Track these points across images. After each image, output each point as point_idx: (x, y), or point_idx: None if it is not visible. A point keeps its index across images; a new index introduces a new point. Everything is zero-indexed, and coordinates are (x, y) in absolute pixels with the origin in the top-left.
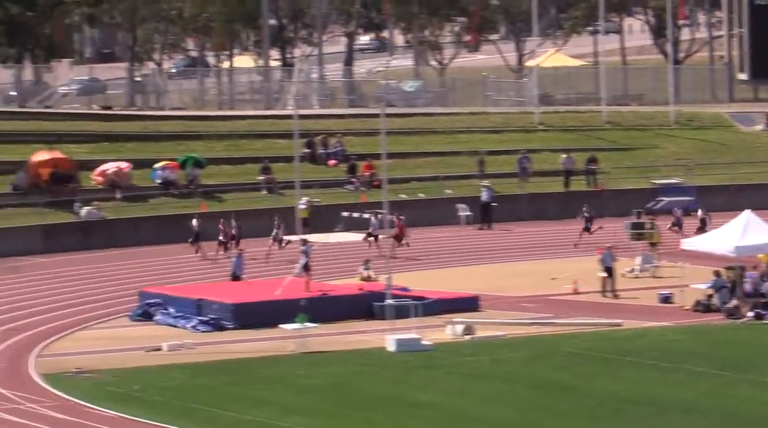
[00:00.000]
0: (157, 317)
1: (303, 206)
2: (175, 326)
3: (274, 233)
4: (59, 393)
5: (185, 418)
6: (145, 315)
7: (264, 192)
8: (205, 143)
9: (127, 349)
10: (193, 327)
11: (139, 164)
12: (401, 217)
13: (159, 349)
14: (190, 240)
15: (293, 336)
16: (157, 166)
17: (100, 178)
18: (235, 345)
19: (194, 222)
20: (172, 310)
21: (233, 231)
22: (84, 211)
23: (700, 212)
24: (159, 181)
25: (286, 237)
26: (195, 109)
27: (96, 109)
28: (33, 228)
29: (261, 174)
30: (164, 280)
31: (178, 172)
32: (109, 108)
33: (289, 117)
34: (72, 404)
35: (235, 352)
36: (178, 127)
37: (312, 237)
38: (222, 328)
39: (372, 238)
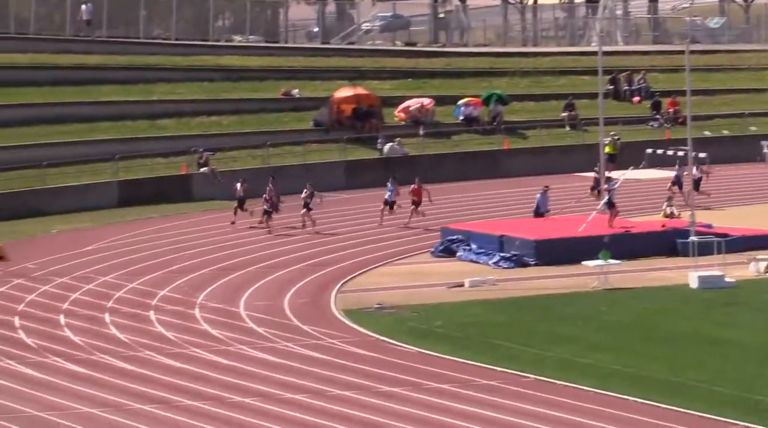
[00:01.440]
0: (459, 253)
1: (608, 141)
2: (477, 262)
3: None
4: (360, 329)
5: (486, 355)
6: (447, 251)
7: (567, 128)
8: (508, 80)
9: (428, 285)
10: (495, 263)
11: (442, 101)
12: (418, 181)
13: (461, 285)
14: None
15: (595, 273)
16: (460, 102)
17: (402, 115)
18: (537, 281)
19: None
20: (474, 246)
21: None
22: (387, 147)
23: None
24: (462, 118)
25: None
26: (499, 45)
27: (399, 46)
28: (336, 164)
29: (564, 110)
30: (466, 217)
31: (481, 108)
32: (412, 44)
33: (593, 53)
34: (373, 340)
35: (537, 289)
36: (481, 63)
37: (616, 174)
38: (524, 264)
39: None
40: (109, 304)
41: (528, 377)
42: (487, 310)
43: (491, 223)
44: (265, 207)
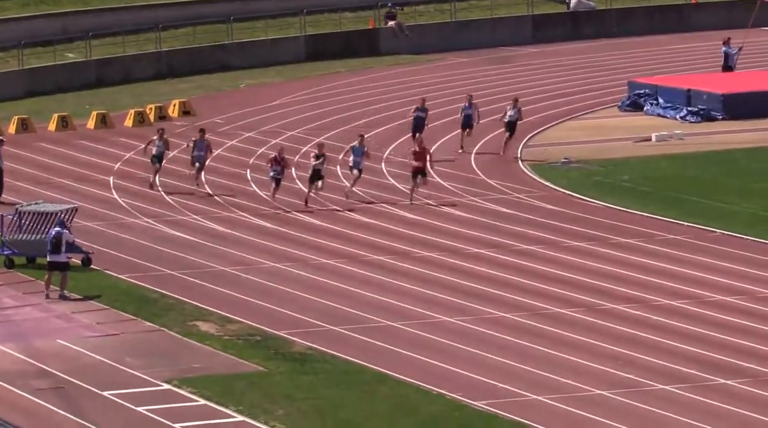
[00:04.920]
0: (646, 107)
1: None
2: (665, 116)
3: None
4: (547, 184)
5: (673, 209)
6: (634, 105)
7: None
8: None
9: (615, 139)
10: (682, 117)
11: None
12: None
13: (648, 140)
14: None
15: None
16: None
17: None
18: (724, 136)
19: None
20: (661, 100)
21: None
22: (574, 1)
23: None
24: None
25: None
26: None
27: None
28: (522, 18)
29: None
30: (654, 71)
31: None
32: None
33: None
34: (560, 194)
35: (724, 143)
36: None
37: None
38: (711, 119)
39: None
40: (297, 159)
41: (714, 231)
42: (674, 165)
43: (679, 77)
44: None
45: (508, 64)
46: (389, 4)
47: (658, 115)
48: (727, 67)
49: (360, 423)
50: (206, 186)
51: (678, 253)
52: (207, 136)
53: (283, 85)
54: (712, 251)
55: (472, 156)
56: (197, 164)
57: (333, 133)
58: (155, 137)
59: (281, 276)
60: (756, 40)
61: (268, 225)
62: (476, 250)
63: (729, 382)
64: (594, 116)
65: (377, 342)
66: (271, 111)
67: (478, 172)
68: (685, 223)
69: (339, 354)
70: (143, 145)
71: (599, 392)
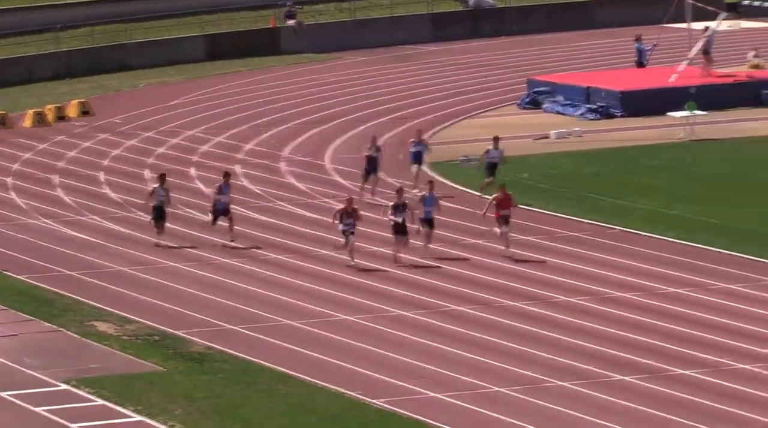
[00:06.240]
0: (546, 105)
1: None
2: (564, 114)
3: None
4: (446, 182)
5: (573, 206)
6: (533, 103)
7: None
8: None
9: (515, 137)
10: (581, 114)
11: None
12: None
13: (546, 137)
14: None
15: (681, 124)
16: None
17: None
18: (623, 133)
19: None
20: (560, 98)
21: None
22: None
23: None
24: None
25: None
26: None
27: None
28: (422, 16)
29: None
30: (556, 68)
31: None
32: None
33: None
34: (459, 192)
35: (623, 140)
36: None
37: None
38: (610, 116)
39: None
40: (195, 158)
41: (614, 229)
42: (573, 162)
43: (578, 75)
44: None
45: (407, 63)
46: (289, 3)
47: (558, 112)
48: (640, 64)
49: (259, 422)
50: (105, 186)
51: (577, 250)
52: (106, 135)
53: (183, 85)
54: (611, 248)
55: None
56: (220, 211)
57: (232, 132)
58: (156, 185)
59: (180, 275)
60: (665, 36)
61: (167, 224)
62: (376, 249)
63: (626, 378)
64: (494, 114)
65: (276, 342)
66: (170, 110)
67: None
68: (585, 220)
69: (238, 354)
70: (146, 198)
71: (498, 389)
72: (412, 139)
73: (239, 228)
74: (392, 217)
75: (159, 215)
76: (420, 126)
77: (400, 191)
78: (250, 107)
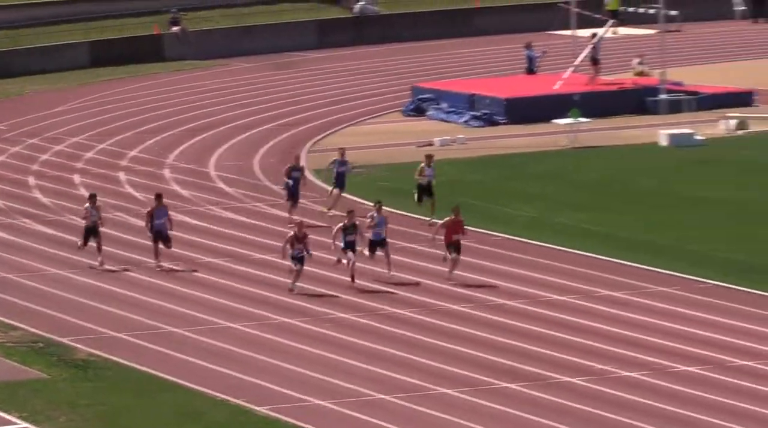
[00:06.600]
0: (430, 112)
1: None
2: (447, 121)
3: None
4: (329, 188)
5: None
6: (417, 110)
7: None
8: None
9: (399, 144)
10: (465, 122)
11: None
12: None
13: (431, 144)
14: None
15: (565, 132)
16: None
17: None
18: (507, 140)
19: None
20: (444, 105)
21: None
22: (358, 5)
23: None
24: None
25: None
26: None
27: None
28: (307, 23)
29: None
30: (439, 75)
31: None
32: None
33: None
34: (344, 200)
35: (507, 147)
36: None
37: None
38: (494, 123)
39: None
40: (79, 165)
41: (497, 236)
42: (457, 169)
43: (462, 82)
44: None
45: (292, 69)
46: (173, 10)
47: (442, 119)
48: (530, 71)
49: None
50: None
51: (461, 257)
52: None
53: (68, 92)
54: (495, 255)
55: (256, 160)
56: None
57: (116, 139)
58: (87, 204)
59: (65, 283)
60: (552, 43)
61: (51, 231)
62: (261, 256)
63: (511, 386)
64: (377, 121)
65: (162, 349)
66: (54, 117)
67: (261, 177)
68: (469, 228)
69: (122, 361)
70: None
71: (382, 396)
72: (334, 158)
73: (120, 234)
74: (337, 243)
75: (93, 232)
76: (306, 133)
77: (350, 213)
78: (135, 114)
